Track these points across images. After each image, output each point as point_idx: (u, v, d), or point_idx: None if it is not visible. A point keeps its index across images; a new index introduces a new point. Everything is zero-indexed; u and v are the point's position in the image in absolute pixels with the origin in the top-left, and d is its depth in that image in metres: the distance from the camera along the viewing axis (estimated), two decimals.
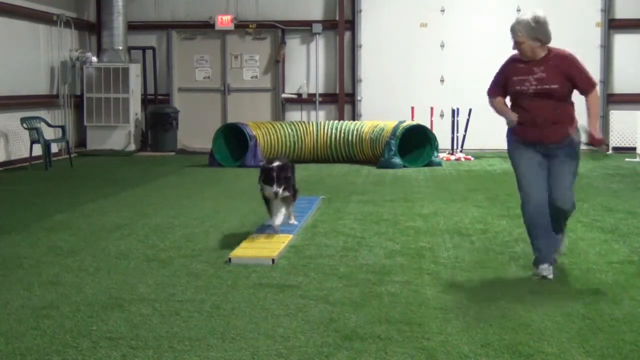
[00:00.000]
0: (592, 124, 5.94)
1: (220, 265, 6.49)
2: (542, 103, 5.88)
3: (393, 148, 14.43)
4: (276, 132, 15.33)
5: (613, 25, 18.04)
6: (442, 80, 18.47)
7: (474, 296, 5.53)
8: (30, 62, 15.83)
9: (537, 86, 5.89)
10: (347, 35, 18.56)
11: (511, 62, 6.11)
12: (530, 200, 6.01)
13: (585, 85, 5.95)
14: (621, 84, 18.09)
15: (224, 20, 18.50)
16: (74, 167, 14.70)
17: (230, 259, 6.54)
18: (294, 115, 18.74)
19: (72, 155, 15.38)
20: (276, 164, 7.38)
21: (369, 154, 15.15)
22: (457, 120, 16.72)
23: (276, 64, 18.92)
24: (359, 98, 18.66)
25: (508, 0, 18.16)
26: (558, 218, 6.13)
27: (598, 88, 6.04)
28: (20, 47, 15.41)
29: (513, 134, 6.11)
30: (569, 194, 6.03)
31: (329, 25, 18.61)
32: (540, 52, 5.93)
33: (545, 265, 6.03)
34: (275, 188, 7.21)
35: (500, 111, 6.13)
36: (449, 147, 16.79)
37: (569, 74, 5.91)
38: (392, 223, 8.53)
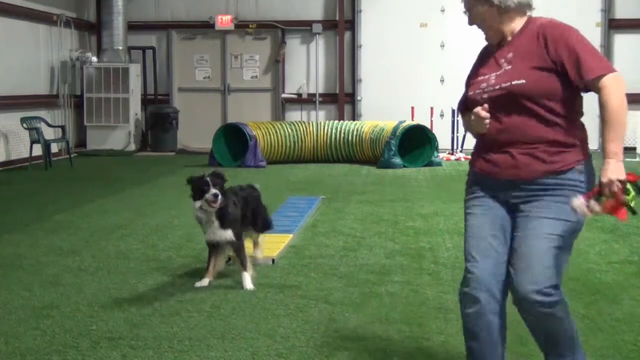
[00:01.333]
0: (606, 151, 3.27)
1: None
2: (503, 113, 3.43)
3: (393, 148, 14.43)
4: (276, 132, 15.33)
5: (613, 25, 18.04)
6: (442, 80, 18.47)
7: None
8: (30, 62, 15.83)
9: (494, 87, 3.46)
10: (347, 35, 18.56)
11: (480, 55, 3.79)
12: (467, 283, 3.55)
13: (590, 71, 3.27)
14: None
15: (224, 20, 18.50)
16: (74, 167, 14.70)
17: (230, 259, 6.54)
18: (294, 115, 18.74)
19: (72, 155, 15.37)
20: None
21: (369, 154, 15.15)
22: (457, 120, 16.70)
23: (276, 64, 18.92)
24: (359, 98, 18.66)
25: None
26: (535, 329, 3.48)
27: (617, 76, 3.28)
28: (20, 47, 15.41)
29: (471, 165, 3.81)
30: (543, 275, 3.32)
31: (329, 25, 18.61)
32: (509, 25, 3.51)
33: None
34: (212, 190, 5.67)
35: (467, 127, 3.74)
36: (449, 147, 16.79)
37: (552, 55, 3.34)
38: (392, 223, 8.53)
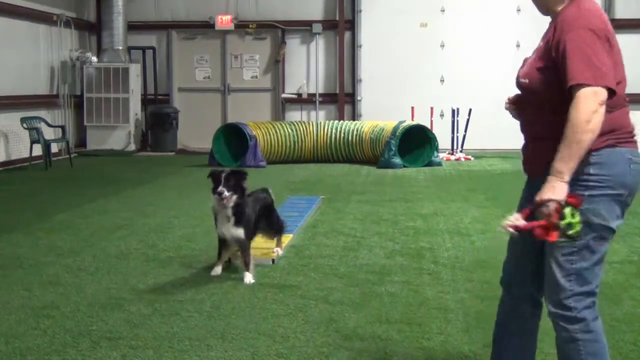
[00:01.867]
0: (551, 168, 3.07)
1: None
2: (524, 106, 3.40)
3: (393, 148, 14.43)
4: (276, 132, 15.33)
5: (613, 25, 17.83)
6: (442, 80, 18.47)
7: (474, 296, 5.53)
8: (30, 62, 15.82)
9: (518, 77, 3.38)
10: (347, 35, 18.56)
11: None
12: (501, 283, 3.67)
13: (570, 79, 3.08)
14: None
15: (224, 20, 18.50)
16: (74, 167, 14.70)
17: (230, 259, 6.54)
18: (294, 115, 18.74)
19: (72, 155, 15.37)
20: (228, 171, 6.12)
21: (369, 154, 15.15)
22: (457, 120, 16.72)
23: (276, 64, 18.92)
24: (359, 98, 18.66)
25: (508, 1, 18.17)
26: (558, 337, 3.30)
27: (595, 92, 3.05)
28: (20, 47, 15.40)
29: None
30: (555, 287, 3.22)
31: (329, 25, 18.60)
32: (554, 5, 3.32)
33: None
34: (220, 188, 5.91)
35: None
36: (449, 147, 16.79)
37: (554, 54, 3.19)
38: (392, 223, 8.53)
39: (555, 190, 3.03)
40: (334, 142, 15.50)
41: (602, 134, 3.10)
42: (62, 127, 15.78)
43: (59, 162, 15.22)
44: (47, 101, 16.45)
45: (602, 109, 3.04)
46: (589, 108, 3.01)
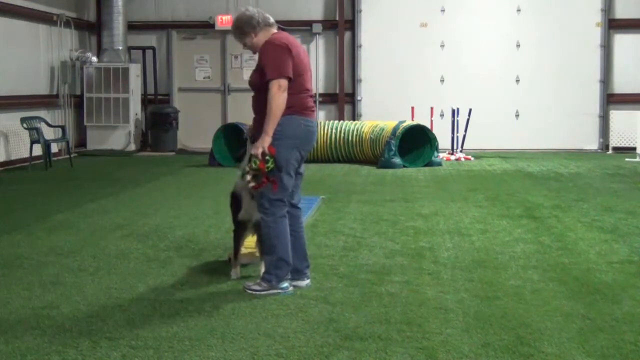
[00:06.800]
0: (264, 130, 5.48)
1: (220, 265, 6.49)
2: (255, 96, 5.74)
3: (393, 148, 14.43)
4: None
5: (613, 25, 18.04)
6: (442, 80, 18.48)
7: (474, 296, 5.53)
8: (30, 62, 15.83)
9: (249, 81, 5.85)
10: (347, 35, 18.56)
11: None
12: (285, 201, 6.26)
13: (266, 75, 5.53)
14: (621, 84, 18.09)
15: (224, 20, 18.49)
16: (74, 167, 14.70)
17: (230, 259, 6.54)
18: None
19: (72, 155, 15.38)
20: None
21: (369, 154, 15.15)
22: (457, 120, 16.72)
23: None
24: (359, 98, 18.66)
25: (508, 1, 18.18)
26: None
27: (276, 82, 5.47)
28: (20, 47, 15.41)
29: None
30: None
31: (329, 25, 18.61)
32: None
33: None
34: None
35: None
36: (449, 147, 16.79)
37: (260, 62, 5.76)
38: (392, 223, 8.53)
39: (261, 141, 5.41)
40: (334, 142, 15.50)
41: (289, 107, 5.46)
42: (62, 127, 15.77)
43: (59, 162, 15.22)
44: (47, 101, 16.46)
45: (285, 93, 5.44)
46: (275, 94, 5.43)
